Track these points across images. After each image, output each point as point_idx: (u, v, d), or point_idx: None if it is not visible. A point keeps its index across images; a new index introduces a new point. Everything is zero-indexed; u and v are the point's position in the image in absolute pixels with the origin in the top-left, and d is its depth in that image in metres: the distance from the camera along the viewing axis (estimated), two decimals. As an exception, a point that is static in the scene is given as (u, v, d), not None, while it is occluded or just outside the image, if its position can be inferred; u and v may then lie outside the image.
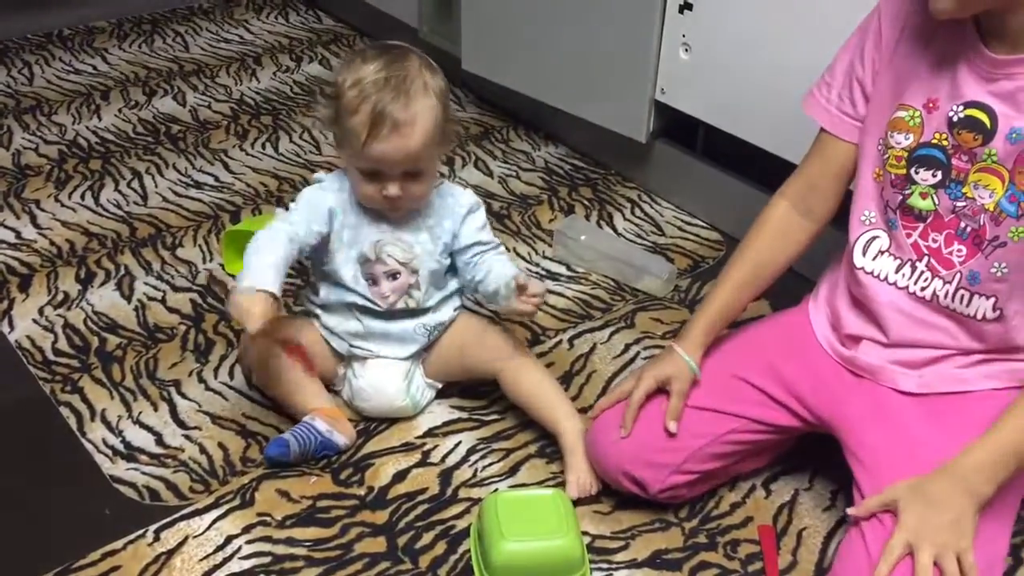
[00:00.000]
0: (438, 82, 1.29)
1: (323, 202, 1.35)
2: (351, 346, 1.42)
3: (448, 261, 1.41)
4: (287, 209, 1.38)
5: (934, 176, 1.15)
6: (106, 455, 1.38)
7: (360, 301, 1.39)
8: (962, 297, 1.16)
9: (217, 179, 2.06)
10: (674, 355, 1.27)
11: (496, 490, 1.34)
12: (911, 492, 1.08)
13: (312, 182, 1.39)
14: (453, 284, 1.45)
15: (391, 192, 1.30)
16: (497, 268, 1.37)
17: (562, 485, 1.33)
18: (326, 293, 1.41)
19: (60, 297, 1.69)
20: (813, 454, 1.37)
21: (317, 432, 1.35)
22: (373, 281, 1.39)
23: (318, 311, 1.44)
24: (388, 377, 1.41)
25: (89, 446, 1.40)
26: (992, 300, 1.15)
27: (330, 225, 1.35)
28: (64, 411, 1.46)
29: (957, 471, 1.08)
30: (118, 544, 1.25)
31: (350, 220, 1.36)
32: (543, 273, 1.79)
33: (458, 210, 1.39)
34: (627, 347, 1.61)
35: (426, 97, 1.27)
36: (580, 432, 1.35)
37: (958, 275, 1.16)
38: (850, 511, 1.10)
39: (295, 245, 1.31)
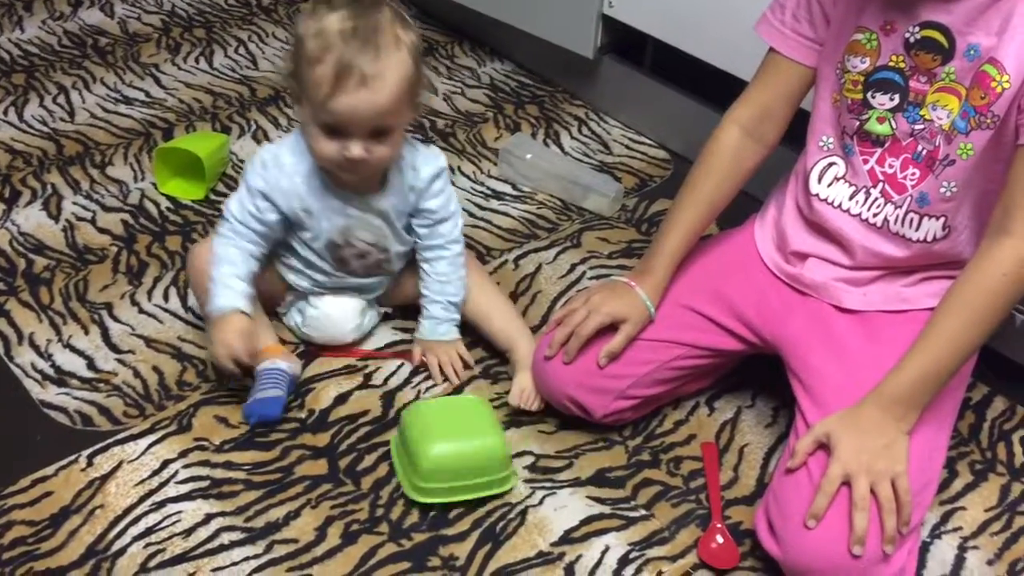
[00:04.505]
0: (411, 37, 1.19)
1: (276, 191, 1.25)
2: (312, 286, 1.36)
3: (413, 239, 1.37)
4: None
5: (891, 100, 1.14)
6: (35, 380, 1.34)
7: (329, 270, 1.34)
8: (911, 221, 1.16)
9: (148, 94, 1.97)
10: (634, 295, 1.24)
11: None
12: (842, 423, 1.08)
13: (259, 161, 1.27)
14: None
15: (354, 153, 1.18)
16: (436, 289, 1.35)
17: (507, 405, 1.33)
18: (294, 244, 1.33)
19: (-17, 218, 1.63)
20: (756, 372, 1.37)
21: (287, 374, 1.30)
22: (342, 262, 1.33)
23: (281, 250, 1.35)
24: (346, 313, 1.37)
25: (17, 371, 1.35)
26: (942, 220, 1.15)
27: (288, 209, 1.27)
28: (-10, 335, 1.41)
29: (883, 397, 1.09)
30: (49, 470, 1.21)
31: (313, 205, 1.27)
32: (488, 192, 1.76)
33: (419, 184, 1.30)
34: (573, 267, 1.59)
35: (397, 51, 1.17)
36: (532, 350, 1.34)
37: (908, 199, 1.15)
38: (788, 464, 1.10)
39: (255, 259, 1.28)
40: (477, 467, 1.19)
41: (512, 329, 1.37)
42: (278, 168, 1.25)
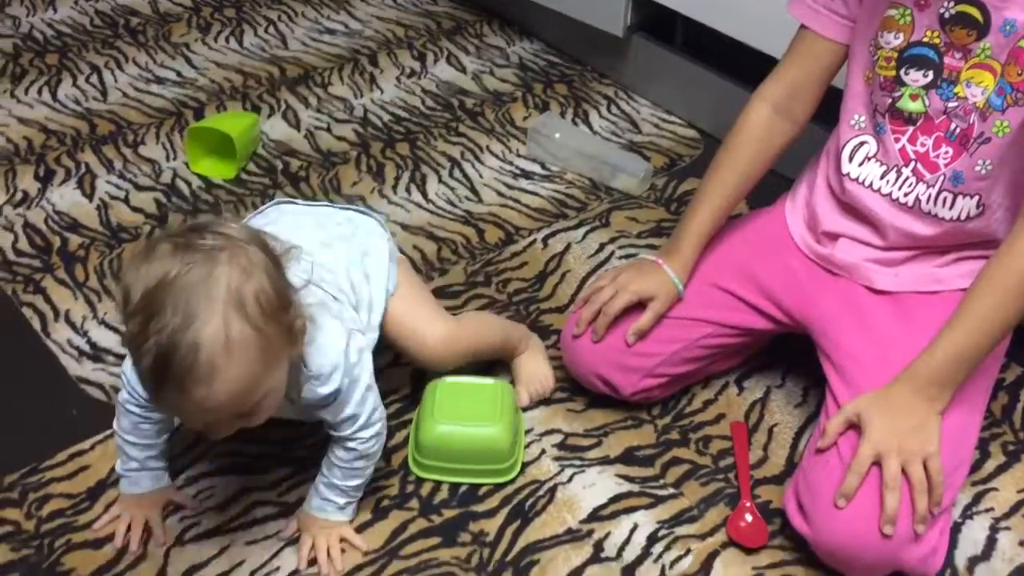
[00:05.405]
0: (255, 307, 0.89)
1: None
2: None
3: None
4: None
5: (925, 76, 1.12)
6: (72, 356, 1.36)
7: None
8: (945, 200, 1.15)
9: (179, 74, 1.98)
10: (662, 273, 1.24)
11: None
12: (873, 404, 1.08)
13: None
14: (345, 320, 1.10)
15: (220, 436, 0.99)
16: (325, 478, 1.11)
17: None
18: None
19: (19, 196, 1.65)
20: (786, 352, 1.37)
21: None
22: None
23: None
24: None
25: (54, 347, 1.37)
26: (976, 198, 1.14)
27: None
28: (27, 312, 1.43)
29: (915, 378, 1.08)
30: (86, 445, 1.23)
31: None
32: (517, 172, 1.76)
33: (310, 402, 1.05)
34: (602, 246, 1.59)
35: (240, 328, 0.88)
36: (531, 343, 1.34)
37: (941, 177, 1.14)
38: (818, 445, 1.10)
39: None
40: (475, 454, 1.20)
41: (511, 337, 1.31)
42: None
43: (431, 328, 1.22)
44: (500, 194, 1.70)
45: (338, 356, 1.02)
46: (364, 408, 1.07)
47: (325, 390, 1.02)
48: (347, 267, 1.15)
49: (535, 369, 1.32)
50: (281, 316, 0.92)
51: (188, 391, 0.87)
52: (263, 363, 0.91)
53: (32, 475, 1.20)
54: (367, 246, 1.20)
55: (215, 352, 0.86)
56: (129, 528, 1.13)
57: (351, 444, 1.08)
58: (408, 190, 1.70)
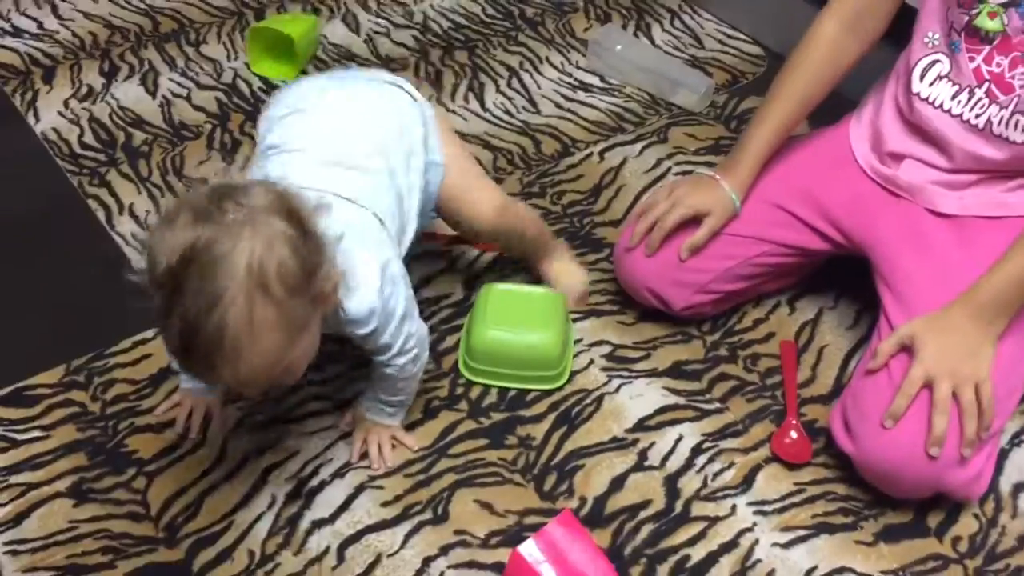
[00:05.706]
0: (278, 284, 0.85)
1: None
2: None
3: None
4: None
5: None
6: (135, 248, 1.39)
7: None
8: (1017, 122, 1.12)
9: (241, -26, 1.98)
10: (719, 189, 1.23)
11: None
12: (928, 326, 1.07)
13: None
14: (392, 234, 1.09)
15: (254, 397, 1.06)
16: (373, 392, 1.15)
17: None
18: None
19: (84, 90, 1.67)
20: (840, 274, 1.36)
21: None
22: None
23: None
24: None
25: (118, 239, 1.41)
26: None
27: None
28: (92, 204, 1.46)
29: (973, 302, 1.07)
30: (148, 334, 1.27)
31: None
32: (576, 84, 1.74)
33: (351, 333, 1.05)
34: (659, 162, 1.58)
35: (263, 307, 0.85)
36: (559, 246, 1.35)
37: (1016, 99, 1.11)
38: (870, 365, 1.10)
39: None
40: (525, 360, 1.22)
41: (542, 228, 1.33)
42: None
43: (484, 200, 1.24)
44: (558, 106, 1.69)
45: (373, 300, 1.00)
46: (399, 337, 1.05)
47: (363, 331, 1.02)
48: (385, 154, 1.10)
49: (570, 274, 1.33)
50: (306, 288, 0.89)
51: (215, 368, 0.86)
52: (289, 337, 0.89)
53: (97, 360, 1.24)
54: (402, 123, 1.16)
55: (239, 333, 0.84)
56: (190, 415, 1.17)
57: (388, 369, 1.09)
58: (466, 98, 1.69)
